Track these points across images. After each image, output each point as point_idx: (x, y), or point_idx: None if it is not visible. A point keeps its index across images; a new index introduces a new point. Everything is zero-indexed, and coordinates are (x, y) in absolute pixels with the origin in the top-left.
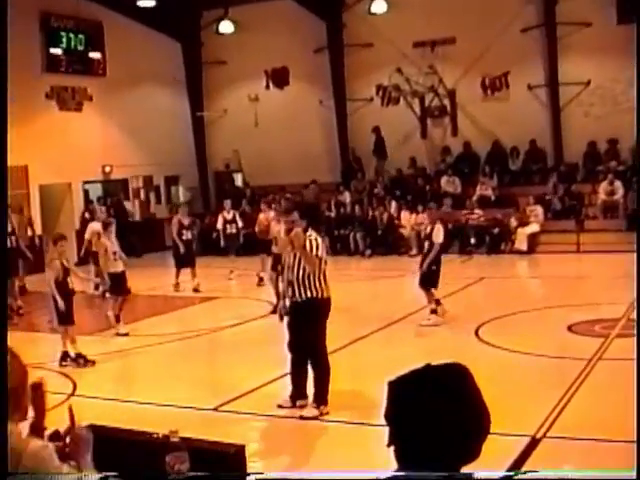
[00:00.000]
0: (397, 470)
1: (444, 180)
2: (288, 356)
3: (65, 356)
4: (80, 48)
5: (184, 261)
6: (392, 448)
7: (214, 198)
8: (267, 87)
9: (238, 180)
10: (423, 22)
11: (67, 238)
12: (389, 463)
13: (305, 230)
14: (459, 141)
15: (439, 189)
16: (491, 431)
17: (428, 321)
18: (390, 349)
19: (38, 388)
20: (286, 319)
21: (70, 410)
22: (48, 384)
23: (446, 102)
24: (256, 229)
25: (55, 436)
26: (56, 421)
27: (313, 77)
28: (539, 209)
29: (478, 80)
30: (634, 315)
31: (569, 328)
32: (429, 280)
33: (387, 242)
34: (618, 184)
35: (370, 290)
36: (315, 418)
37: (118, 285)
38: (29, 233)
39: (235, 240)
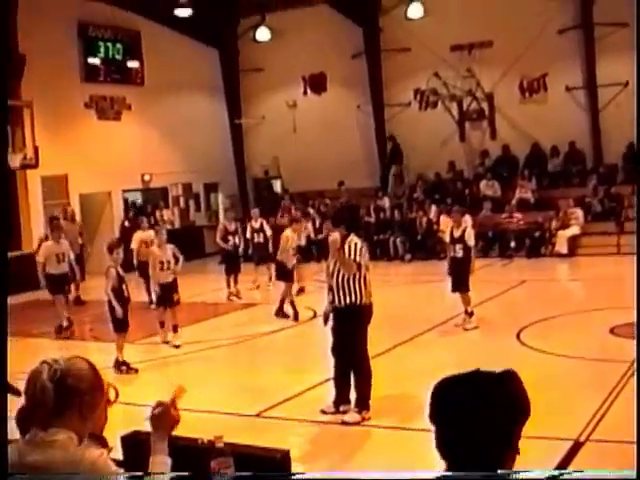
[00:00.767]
0: (445, 470)
1: (483, 184)
2: (332, 361)
3: (119, 363)
4: (118, 57)
5: (232, 267)
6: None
7: (253, 205)
8: (305, 93)
9: (277, 186)
10: (460, 26)
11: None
12: (432, 467)
13: (346, 236)
14: (498, 144)
15: (478, 193)
16: (535, 434)
17: (470, 324)
18: (432, 353)
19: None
20: (330, 324)
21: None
22: None
23: (484, 105)
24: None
25: (101, 441)
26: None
27: (351, 82)
28: (579, 211)
29: (516, 83)
30: None
31: (611, 331)
32: (466, 284)
33: (426, 246)
34: None
35: (410, 295)
36: (357, 423)
37: (164, 295)
38: (79, 241)
39: (263, 249)
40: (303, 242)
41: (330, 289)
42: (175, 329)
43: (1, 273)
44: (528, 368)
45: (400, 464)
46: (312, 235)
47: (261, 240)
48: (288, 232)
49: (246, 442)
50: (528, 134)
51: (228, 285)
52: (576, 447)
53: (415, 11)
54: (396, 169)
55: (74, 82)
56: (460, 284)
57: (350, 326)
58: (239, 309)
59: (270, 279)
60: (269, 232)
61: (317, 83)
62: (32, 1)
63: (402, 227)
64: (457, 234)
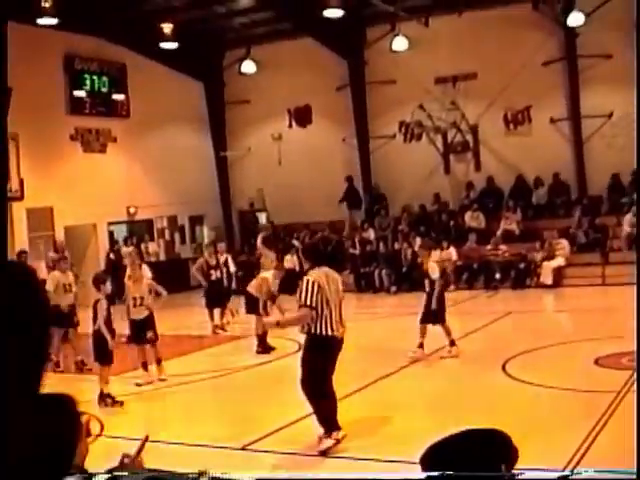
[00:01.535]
0: None
1: (468, 215)
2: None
3: (104, 396)
4: (104, 90)
5: (214, 301)
6: None
7: (239, 237)
8: (290, 126)
9: (262, 219)
10: (444, 58)
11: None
12: None
13: (306, 271)
14: (482, 176)
15: (463, 225)
16: (521, 466)
17: (449, 353)
18: (418, 385)
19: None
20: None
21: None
22: None
23: (469, 137)
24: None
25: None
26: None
27: (336, 115)
28: (564, 242)
29: (500, 115)
30: None
31: (596, 361)
32: (436, 318)
33: (412, 278)
34: None
35: (396, 327)
36: (334, 446)
37: (137, 333)
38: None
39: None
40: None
41: None
42: (159, 362)
43: None
44: (513, 400)
45: None
46: (297, 268)
47: (219, 276)
48: (268, 275)
49: (231, 476)
50: (513, 166)
51: (211, 318)
52: (563, 479)
53: (400, 44)
54: (352, 215)
55: (60, 114)
56: (428, 316)
57: (312, 355)
58: (224, 342)
59: (232, 315)
60: (233, 268)
61: (302, 116)
62: (18, 34)
63: (387, 259)
64: (425, 268)
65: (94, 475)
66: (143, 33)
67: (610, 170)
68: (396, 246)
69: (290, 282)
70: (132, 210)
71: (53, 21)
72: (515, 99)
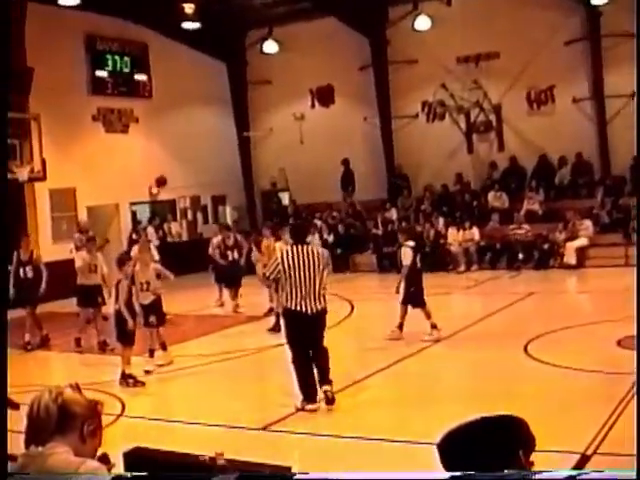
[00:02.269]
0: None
1: (491, 196)
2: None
3: (125, 376)
4: (126, 70)
5: (229, 281)
6: None
7: (261, 217)
8: (312, 106)
9: (285, 199)
10: (467, 37)
11: (132, 259)
12: None
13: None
14: (505, 156)
15: (486, 205)
16: (541, 448)
17: (430, 336)
18: (438, 366)
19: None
20: None
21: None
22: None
23: (492, 117)
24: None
25: (104, 459)
26: (106, 442)
27: (358, 95)
28: (588, 223)
29: (523, 94)
30: None
31: (618, 343)
32: (414, 301)
33: (434, 259)
34: None
35: None
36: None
37: (145, 318)
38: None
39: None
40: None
41: None
42: (164, 347)
43: (1, 299)
44: (535, 381)
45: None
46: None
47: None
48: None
49: (251, 457)
50: (536, 146)
51: (221, 295)
52: (583, 460)
53: (422, 23)
54: (345, 195)
55: (82, 95)
56: (407, 298)
57: (284, 326)
58: (245, 322)
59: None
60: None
61: (324, 95)
62: (40, 15)
63: None
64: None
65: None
66: (165, 13)
67: (633, 150)
68: (419, 226)
69: None
70: (154, 190)
71: (74, 1)
72: (538, 78)
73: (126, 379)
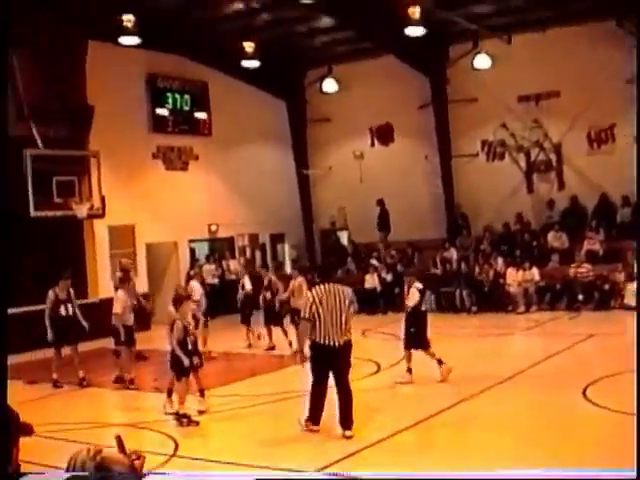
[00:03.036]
0: None
1: (551, 235)
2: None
3: (179, 415)
4: (186, 108)
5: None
6: None
7: (320, 255)
8: (372, 144)
9: (344, 238)
10: (527, 76)
11: (190, 298)
12: None
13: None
14: (566, 195)
15: (546, 244)
16: None
17: (402, 379)
18: (497, 408)
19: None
20: None
21: (118, 439)
22: (148, 444)
23: (552, 156)
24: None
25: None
26: None
27: (417, 133)
28: None
29: (584, 133)
30: None
31: None
32: (414, 342)
33: (493, 299)
34: None
35: (477, 348)
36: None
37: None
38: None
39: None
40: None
41: None
42: (202, 394)
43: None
44: (593, 426)
45: None
46: (378, 287)
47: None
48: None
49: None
50: (596, 185)
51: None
52: None
53: (482, 62)
54: (382, 236)
55: (142, 132)
56: (411, 342)
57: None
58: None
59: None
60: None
61: (384, 134)
62: (101, 52)
63: (468, 279)
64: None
65: None
66: (225, 51)
67: None
68: (478, 266)
69: (371, 302)
70: (213, 228)
71: (135, 40)
72: (599, 117)
73: (180, 418)
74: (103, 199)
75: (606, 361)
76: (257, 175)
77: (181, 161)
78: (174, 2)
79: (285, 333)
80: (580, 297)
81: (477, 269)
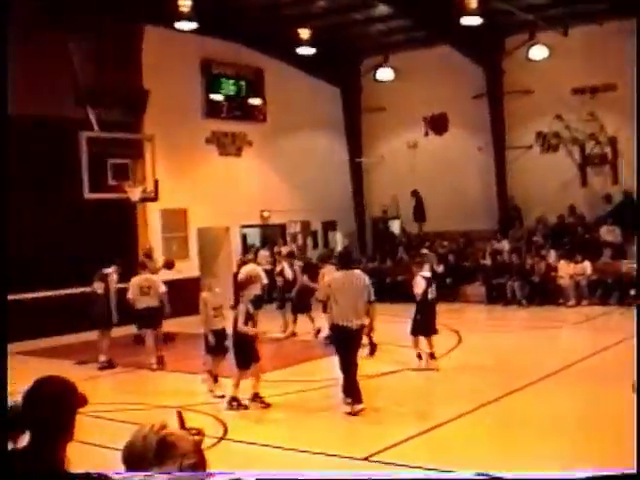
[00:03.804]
0: None
1: (604, 229)
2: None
3: (232, 399)
4: (241, 94)
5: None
6: None
7: (371, 244)
8: (426, 134)
9: (395, 226)
10: (583, 68)
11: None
12: None
13: None
14: (620, 189)
15: (599, 238)
16: None
17: (425, 364)
18: (544, 402)
19: None
20: None
21: (179, 414)
22: (201, 426)
23: (607, 150)
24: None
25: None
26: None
27: (472, 124)
28: None
29: None
30: None
31: None
32: (422, 330)
33: (544, 292)
34: None
35: (527, 341)
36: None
37: (216, 344)
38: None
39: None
40: None
41: None
42: (215, 379)
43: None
44: None
45: None
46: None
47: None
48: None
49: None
50: None
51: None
52: None
53: (538, 53)
54: (419, 226)
55: (196, 118)
56: (417, 329)
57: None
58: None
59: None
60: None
61: (438, 124)
62: (157, 37)
63: (520, 271)
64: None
65: None
66: (280, 38)
67: None
68: (529, 259)
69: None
70: (266, 214)
71: (191, 25)
72: None
73: (231, 402)
74: (156, 183)
75: None
76: (310, 162)
77: (235, 147)
78: None
79: (312, 320)
80: (632, 292)
81: (529, 261)
